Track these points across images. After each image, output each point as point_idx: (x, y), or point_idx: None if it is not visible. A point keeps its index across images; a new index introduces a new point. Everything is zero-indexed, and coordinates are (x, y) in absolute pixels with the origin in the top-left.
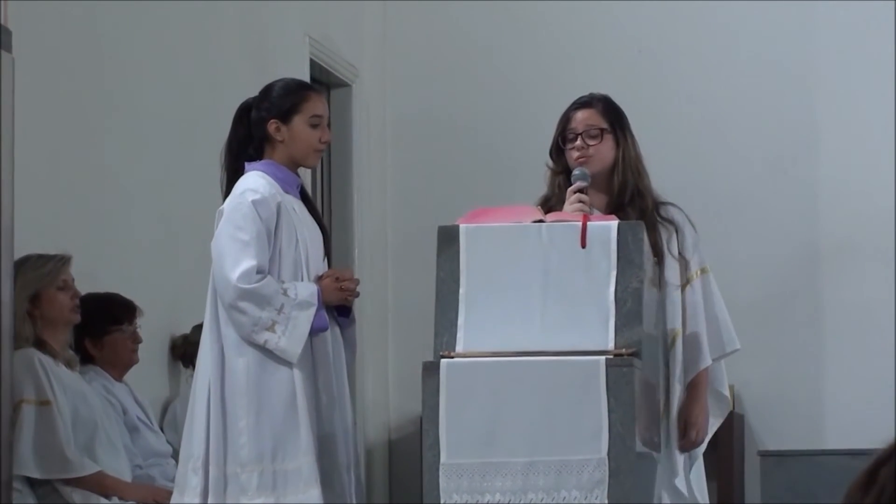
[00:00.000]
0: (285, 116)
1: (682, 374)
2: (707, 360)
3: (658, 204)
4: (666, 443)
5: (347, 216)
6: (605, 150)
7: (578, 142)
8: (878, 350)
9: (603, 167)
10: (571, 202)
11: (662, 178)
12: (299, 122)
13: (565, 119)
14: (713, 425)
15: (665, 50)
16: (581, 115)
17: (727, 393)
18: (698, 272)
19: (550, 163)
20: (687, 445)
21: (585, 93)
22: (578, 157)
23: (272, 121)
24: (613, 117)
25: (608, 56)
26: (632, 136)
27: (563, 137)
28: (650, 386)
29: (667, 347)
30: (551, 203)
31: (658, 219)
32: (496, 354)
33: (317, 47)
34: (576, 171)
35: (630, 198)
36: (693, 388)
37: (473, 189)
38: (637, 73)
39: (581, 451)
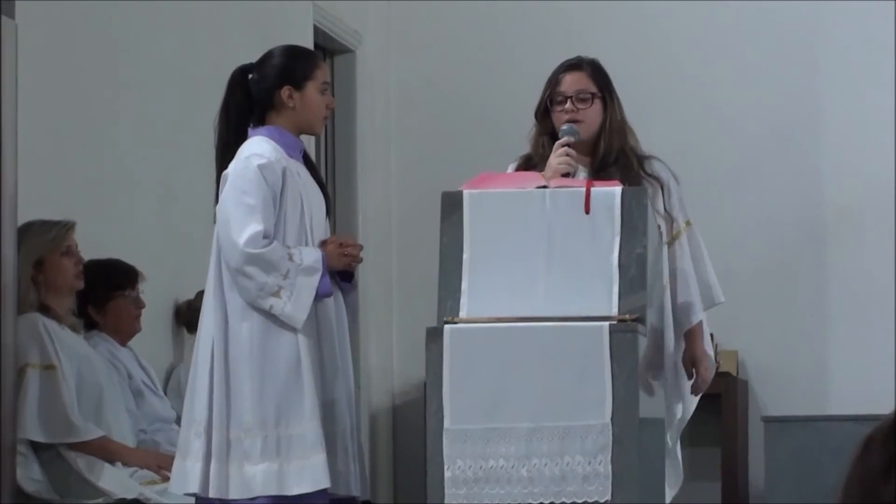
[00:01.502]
0: (299, 83)
1: (674, 328)
2: (699, 315)
3: (642, 159)
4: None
5: (351, 183)
6: (593, 115)
7: (568, 105)
8: (881, 316)
9: (591, 131)
10: (558, 155)
11: (665, 146)
12: (312, 88)
13: (554, 81)
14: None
15: (669, 18)
16: (571, 79)
17: (711, 352)
18: (684, 226)
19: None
20: (699, 384)
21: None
22: (568, 121)
23: (285, 87)
24: (602, 82)
25: (612, 24)
26: (618, 100)
27: (551, 99)
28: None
29: None
30: (533, 162)
31: (643, 175)
32: (500, 320)
33: (321, 13)
34: (564, 127)
35: (615, 158)
36: (691, 335)
37: (477, 155)
38: (641, 42)
39: (585, 416)
